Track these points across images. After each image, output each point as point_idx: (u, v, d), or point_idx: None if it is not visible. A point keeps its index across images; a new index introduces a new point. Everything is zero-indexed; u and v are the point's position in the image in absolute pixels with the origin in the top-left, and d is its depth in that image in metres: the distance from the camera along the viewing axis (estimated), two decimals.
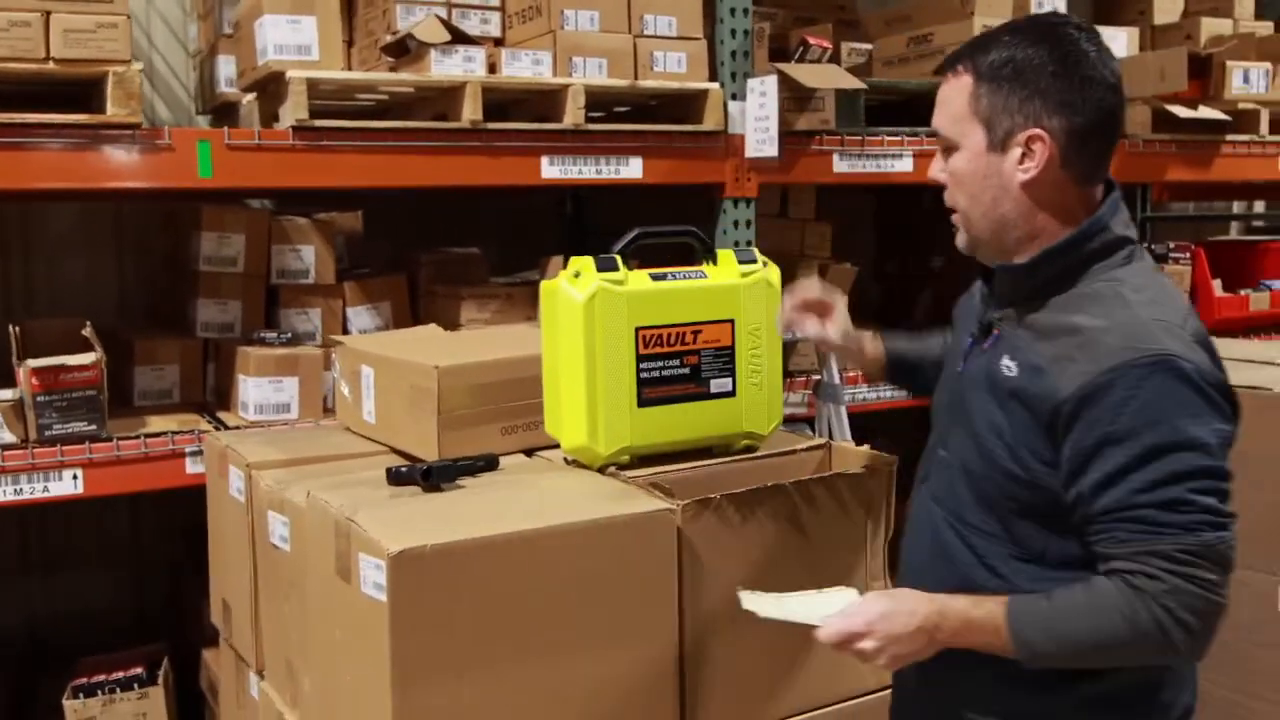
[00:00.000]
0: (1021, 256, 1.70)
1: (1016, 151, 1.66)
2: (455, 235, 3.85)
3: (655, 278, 2.08)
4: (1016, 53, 1.65)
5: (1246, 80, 3.97)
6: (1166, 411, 1.54)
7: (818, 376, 3.38)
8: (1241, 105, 4.04)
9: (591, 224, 4.10)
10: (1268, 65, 4.02)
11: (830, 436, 3.33)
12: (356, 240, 3.62)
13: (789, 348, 3.42)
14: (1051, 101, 1.64)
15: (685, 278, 2.10)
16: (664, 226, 2.16)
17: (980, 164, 1.69)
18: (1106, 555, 1.59)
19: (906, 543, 1.87)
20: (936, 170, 1.78)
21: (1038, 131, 1.64)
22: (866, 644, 1.62)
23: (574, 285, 2.01)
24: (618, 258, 2.04)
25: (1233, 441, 1.61)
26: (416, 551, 1.63)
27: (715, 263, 2.16)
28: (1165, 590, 1.54)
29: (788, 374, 3.41)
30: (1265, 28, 4.39)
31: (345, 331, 3.18)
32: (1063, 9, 3.76)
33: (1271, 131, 4.12)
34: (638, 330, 2.03)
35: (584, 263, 2.03)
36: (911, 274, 4.43)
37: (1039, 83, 1.64)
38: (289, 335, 2.99)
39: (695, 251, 2.17)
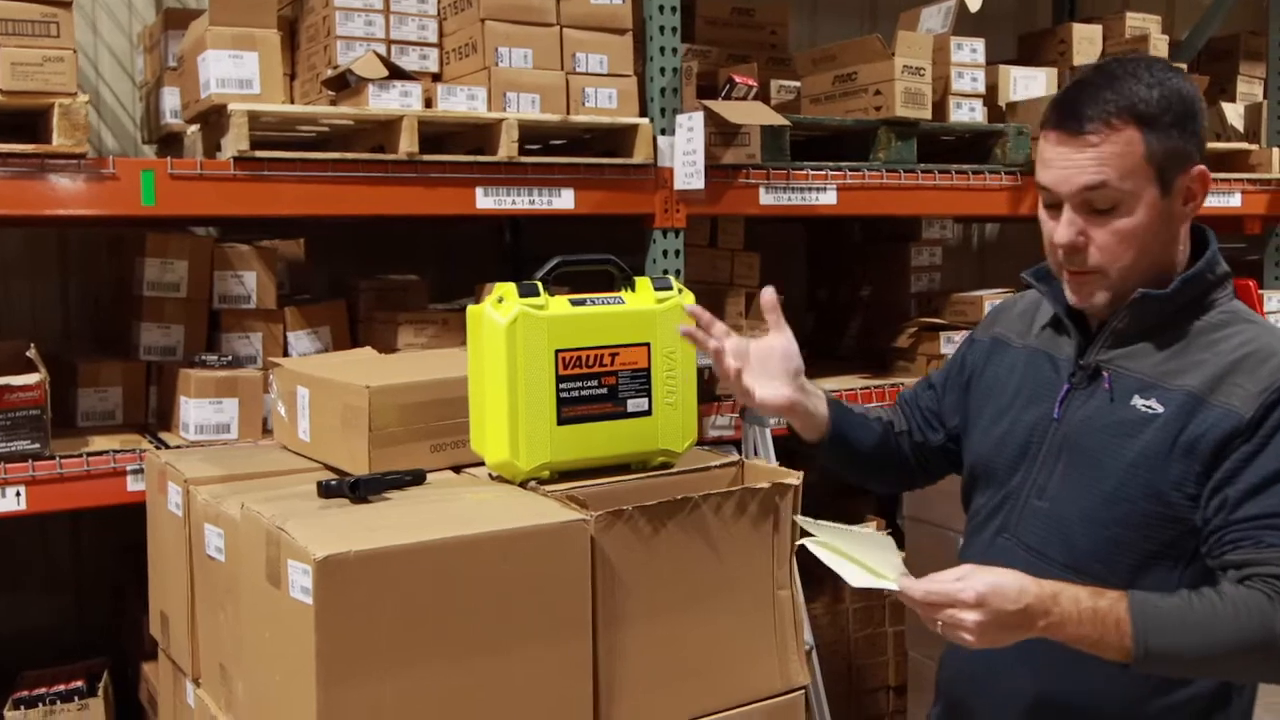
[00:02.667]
0: (1154, 287, 1.70)
1: (1181, 194, 1.67)
2: (397, 262, 3.96)
3: (575, 303, 2.20)
4: (1167, 92, 1.63)
5: None
6: None
7: None
8: None
9: (530, 252, 4.23)
10: None
11: (756, 456, 3.47)
12: (299, 267, 3.71)
13: (714, 373, 3.56)
14: (1197, 138, 1.67)
15: (603, 303, 2.22)
16: (585, 255, 2.29)
17: (1157, 215, 1.66)
18: (1246, 561, 1.56)
19: None
20: (1074, 234, 1.68)
21: (1202, 169, 1.67)
22: (970, 615, 1.50)
23: (497, 310, 2.13)
24: (539, 284, 2.16)
25: None
26: (341, 557, 1.73)
27: (633, 289, 2.28)
28: None
29: (715, 398, 3.55)
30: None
31: (286, 355, 3.27)
32: (981, 50, 3.95)
33: None
34: (558, 352, 2.15)
35: (507, 289, 2.15)
36: (841, 302, 4.59)
37: (1193, 121, 1.65)
38: (229, 358, 3.08)
39: (614, 278, 2.30)
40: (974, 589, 1.51)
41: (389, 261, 3.97)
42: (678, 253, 3.39)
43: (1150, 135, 1.63)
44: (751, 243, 3.96)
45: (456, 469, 2.37)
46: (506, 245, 4.26)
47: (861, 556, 1.66)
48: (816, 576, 4.02)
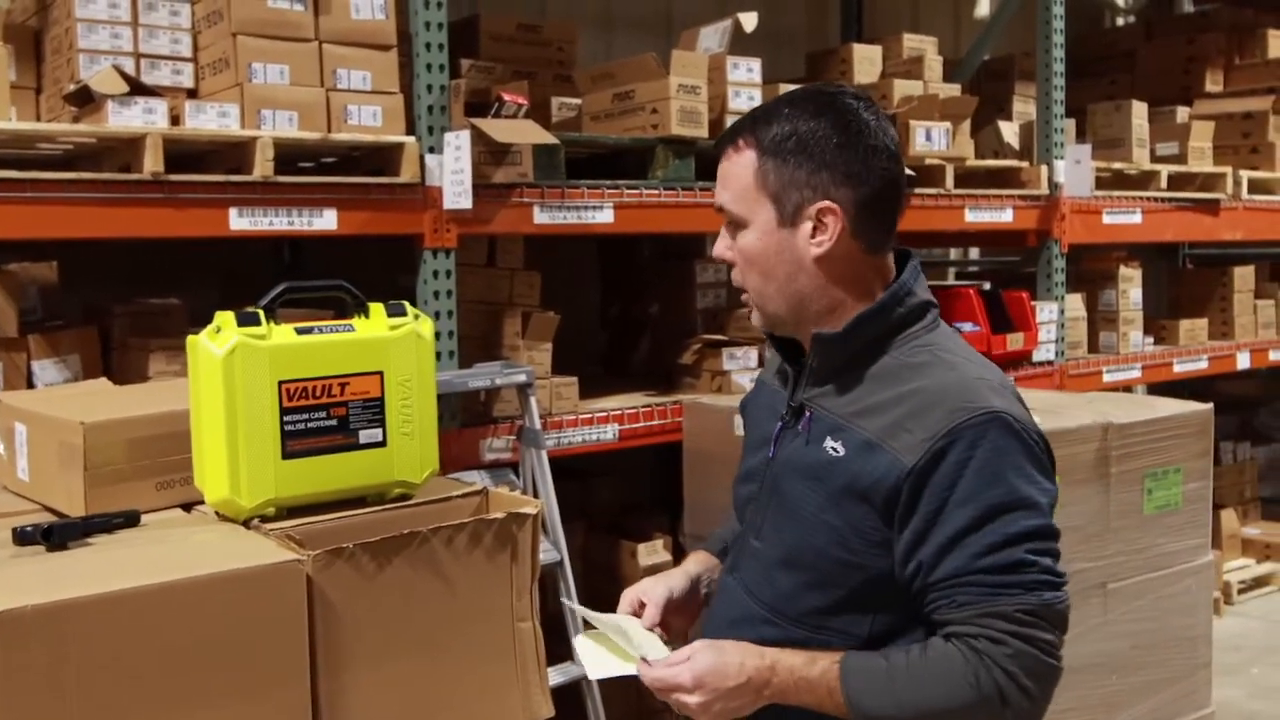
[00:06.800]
0: (830, 326, 1.68)
1: (808, 225, 1.64)
2: (169, 283, 3.78)
3: (301, 331, 2.11)
4: (799, 125, 1.64)
5: (929, 138, 4.29)
6: (1001, 471, 1.54)
7: (521, 422, 3.46)
8: (929, 161, 4.36)
9: (311, 271, 4.10)
10: (948, 125, 4.36)
11: (534, 480, 3.42)
12: (52, 291, 3.52)
13: (491, 394, 3.51)
14: (838, 173, 1.63)
15: (332, 331, 2.14)
16: (315, 281, 2.21)
17: (772, 241, 1.66)
18: (946, 620, 1.56)
19: (714, 632, 1.74)
20: (723, 249, 1.73)
21: (828, 204, 1.63)
22: (691, 698, 1.58)
23: (213, 340, 2.03)
24: (260, 312, 2.07)
25: (1056, 501, 1.61)
26: (16, 613, 1.61)
27: (367, 316, 2.21)
28: (1008, 654, 1.52)
29: (493, 420, 3.50)
30: (953, 90, 4.76)
31: (30, 385, 3.09)
32: (758, 69, 3.99)
33: (957, 186, 4.47)
34: (281, 384, 2.06)
35: (225, 317, 2.05)
36: (633, 319, 4.59)
37: (824, 155, 1.63)
38: None
39: (347, 305, 2.22)
40: (691, 672, 1.58)
41: (159, 283, 3.79)
42: (449, 273, 3.33)
43: (767, 161, 1.65)
44: (543, 260, 3.92)
45: (187, 507, 2.25)
46: (284, 264, 4.13)
47: (628, 640, 1.67)
48: (600, 598, 4.00)
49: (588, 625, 1.83)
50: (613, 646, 1.72)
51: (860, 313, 1.67)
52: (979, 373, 1.64)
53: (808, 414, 1.70)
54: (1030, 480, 1.57)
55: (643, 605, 1.82)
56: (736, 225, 1.70)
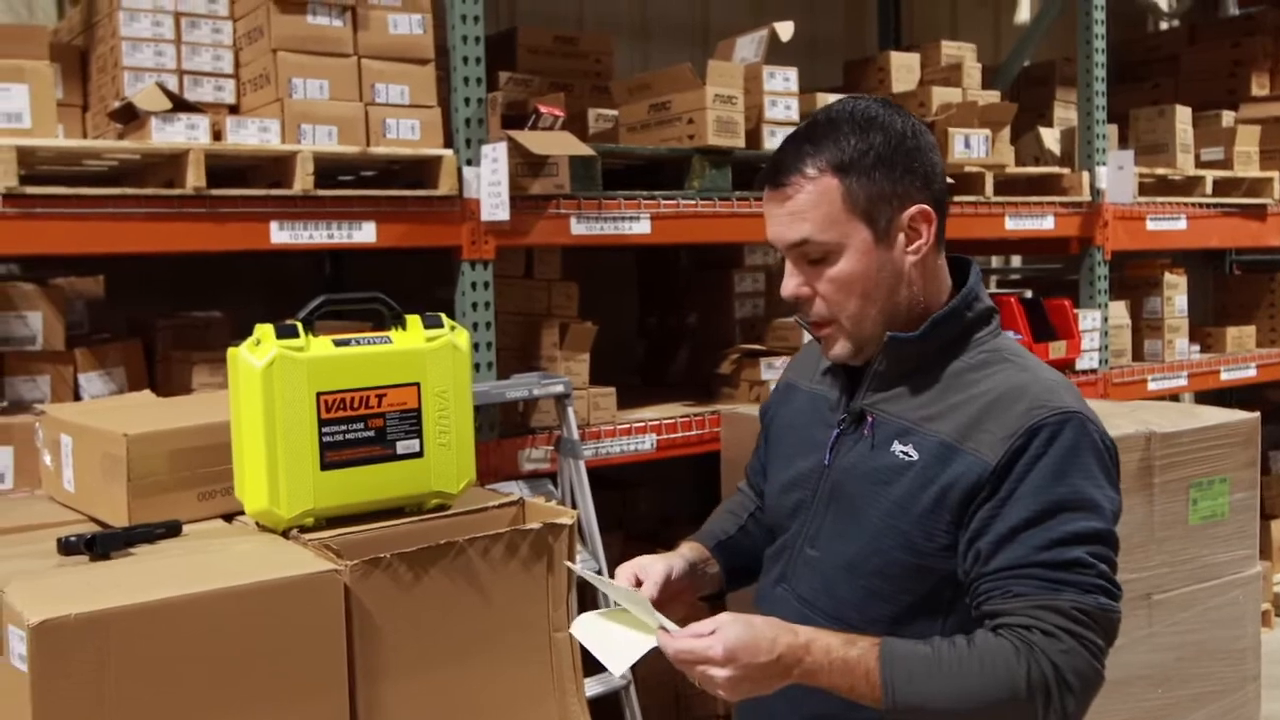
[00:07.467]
0: (903, 331, 1.67)
1: (902, 236, 1.64)
2: (216, 296, 3.84)
3: (339, 343, 2.14)
4: (867, 139, 1.62)
5: (968, 145, 4.26)
6: (1070, 470, 1.55)
7: (559, 432, 3.47)
8: (968, 169, 4.33)
9: (352, 284, 4.15)
10: (987, 132, 4.32)
11: (572, 490, 3.43)
12: (98, 305, 3.57)
13: (528, 405, 3.52)
14: (919, 176, 1.64)
15: (369, 343, 2.16)
16: (352, 294, 2.24)
17: (873, 259, 1.63)
18: (997, 611, 1.53)
19: None
20: (796, 287, 1.68)
21: (920, 208, 1.63)
22: (720, 672, 1.49)
23: (253, 353, 2.06)
24: (299, 325, 2.10)
25: (1120, 512, 1.60)
26: (58, 621, 1.64)
27: (404, 328, 2.23)
28: (1061, 650, 1.49)
29: (531, 430, 3.51)
30: (992, 96, 4.72)
31: (77, 398, 3.14)
32: (794, 78, 3.99)
33: (996, 193, 4.43)
34: (319, 395, 2.08)
35: (265, 330, 2.08)
36: (670, 329, 4.59)
37: (902, 162, 1.62)
38: (5, 403, 2.94)
39: (384, 317, 2.24)
40: (723, 644, 1.49)
41: (202, 296, 3.85)
42: (487, 284, 3.35)
43: (849, 181, 1.62)
44: (581, 271, 3.93)
45: (228, 517, 2.29)
46: (326, 277, 4.17)
47: (645, 610, 1.62)
48: None
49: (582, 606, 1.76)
50: (624, 619, 1.65)
51: (935, 316, 1.67)
52: (1051, 375, 1.66)
53: (870, 419, 1.69)
54: (1097, 484, 1.57)
55: (639, 583, 1.76)
56: (823, 255, 1.65)
